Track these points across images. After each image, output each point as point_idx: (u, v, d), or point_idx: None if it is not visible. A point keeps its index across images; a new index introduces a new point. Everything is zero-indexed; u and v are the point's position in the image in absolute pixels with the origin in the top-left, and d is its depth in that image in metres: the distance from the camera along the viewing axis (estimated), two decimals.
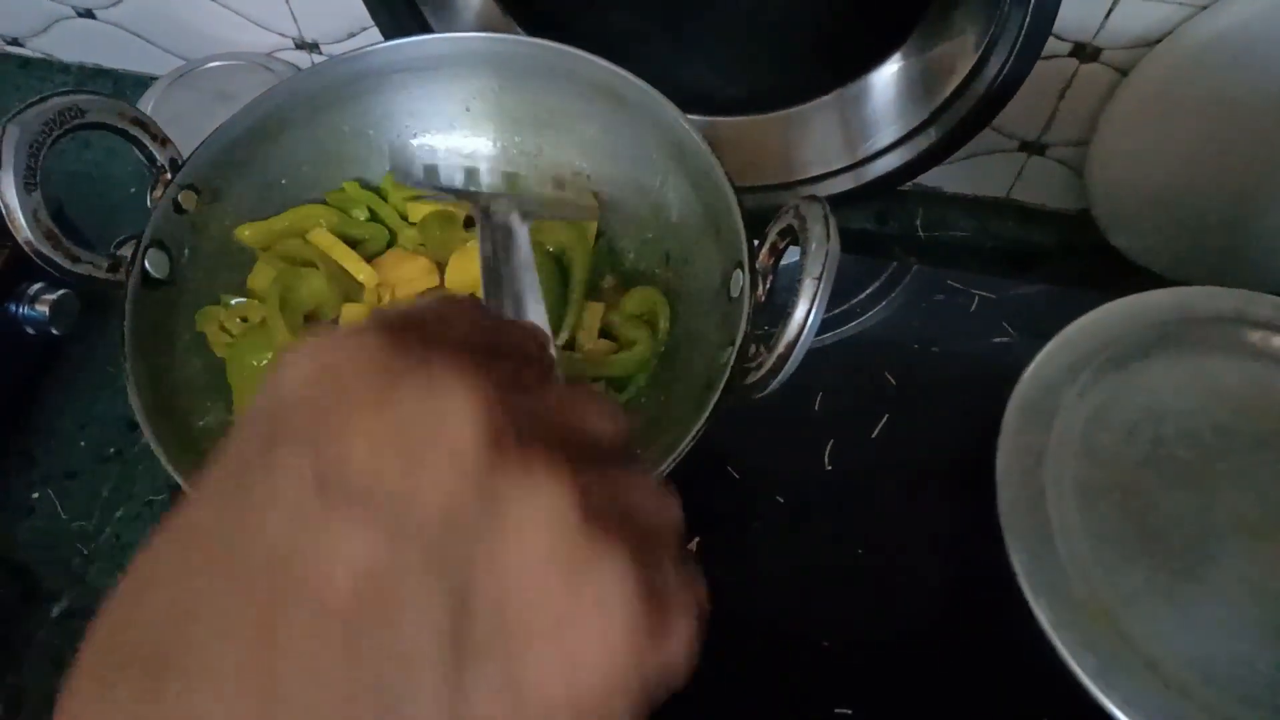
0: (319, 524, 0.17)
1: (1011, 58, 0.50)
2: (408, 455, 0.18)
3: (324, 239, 0.51)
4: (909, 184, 0.62)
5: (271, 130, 0.51)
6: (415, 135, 0.55)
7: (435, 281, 0.52)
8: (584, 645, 0.18)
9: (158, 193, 0.47)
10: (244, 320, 0.49)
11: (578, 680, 0.18)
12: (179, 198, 0.47)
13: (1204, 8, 0.50)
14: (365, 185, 0.54)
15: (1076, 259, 0.65)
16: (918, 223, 0.67)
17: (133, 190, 0.68)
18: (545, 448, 0.19)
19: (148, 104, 0.64)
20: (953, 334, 0.59)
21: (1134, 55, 0.53)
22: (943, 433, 0.55)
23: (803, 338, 0.38)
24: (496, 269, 0.27)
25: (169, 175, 0.47)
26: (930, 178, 0.63)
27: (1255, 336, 0.52)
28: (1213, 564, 0.46)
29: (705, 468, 0.54)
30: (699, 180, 0.48)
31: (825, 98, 0.62)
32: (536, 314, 0.26)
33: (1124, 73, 0.54)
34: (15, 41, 0.75)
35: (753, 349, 0.41)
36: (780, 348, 0.38)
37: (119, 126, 0.45)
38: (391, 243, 0.54)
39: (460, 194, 0.52)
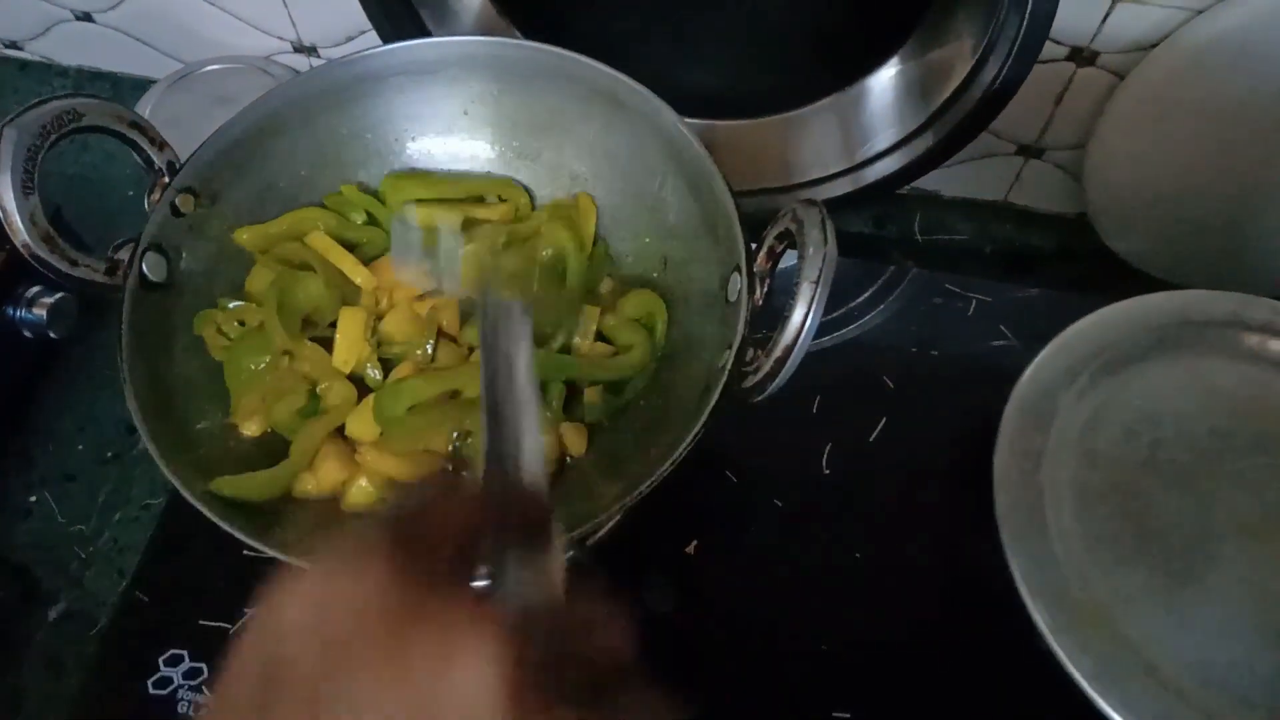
0: None
1: (1009, 61, 0.50)
2: None
3: (322, 242, 0.51)
4: (907, 187, 0.63)
5: (269, 133, 0.51)
6: (414, 138, 0.55)
7: (431, 284, 0.52)
8: None
9: (155, 196, 0.47)
10: (242, 323, 0.49)
11: None
12: (177, 201, 0.47)
13: (1200, 12, 0.50)
14: (363, 189, 0.54)
15: (1074, 262, 0.65)
16: (916, 226, 0.67)
17: (131, 193, 0.68)
18: (557, 701, 0.18)
19: (146, 107, 0.64)
20: (951, 337, 0.59)
21: (1131, 59, 0.53)
22: (941, 436, 0.55)
23: (800, 341, 0.38)
24: (497, 402, 0.27)
25: (167, 178, 0.47)
26: (928, 181, 0.63)
27: (1252, 339, 0.52)
28: (1210, 566, 0.47)
29: (703, 470, 0.54)
30: (697, 184, 0.48)
31: (823, 101, 0.62)
32: (535, 451, 0.26)
33: (1121, 76, 0.54)
34: (14, 45, 0.75)
35: (750, 352, 0.41)
36: (778, 351, 0.38)
37: (117, 130, 0.45)
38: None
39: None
